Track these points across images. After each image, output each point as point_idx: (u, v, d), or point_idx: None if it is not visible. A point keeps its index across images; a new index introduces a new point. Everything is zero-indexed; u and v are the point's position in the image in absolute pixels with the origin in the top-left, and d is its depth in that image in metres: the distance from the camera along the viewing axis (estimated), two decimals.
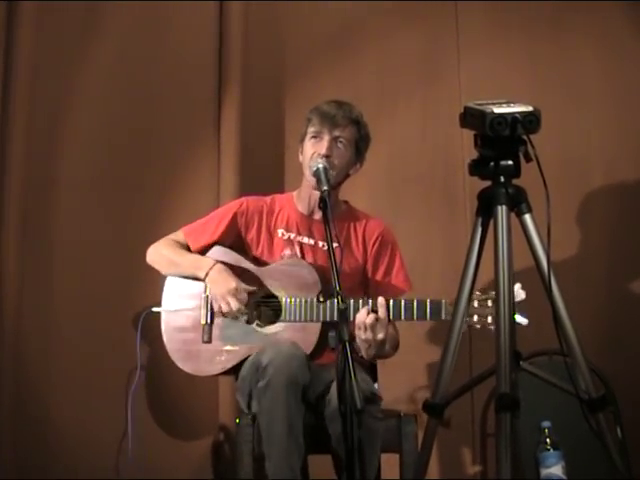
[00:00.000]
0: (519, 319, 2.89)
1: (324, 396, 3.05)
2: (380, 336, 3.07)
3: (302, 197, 3.34)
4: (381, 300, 3.09)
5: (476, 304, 3.06)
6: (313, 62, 4.15)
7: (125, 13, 3.82)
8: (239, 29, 3.99)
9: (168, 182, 3.89)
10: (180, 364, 3.24)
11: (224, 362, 3.21)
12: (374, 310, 3.07)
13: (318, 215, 3.29)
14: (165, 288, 3.32)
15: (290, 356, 2.99)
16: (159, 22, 3.91)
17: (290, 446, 2.93)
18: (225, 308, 3.18)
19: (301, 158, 3.31)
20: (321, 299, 2.98)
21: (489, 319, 3.05)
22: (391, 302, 3.10)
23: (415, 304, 3.10)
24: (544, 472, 3.67)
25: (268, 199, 3.39)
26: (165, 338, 3.27)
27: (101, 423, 3.62)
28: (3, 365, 3.47)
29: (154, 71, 3.90)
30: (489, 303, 3.06)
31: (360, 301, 3.11)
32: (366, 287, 3.31)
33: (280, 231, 3.32)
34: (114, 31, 3.81)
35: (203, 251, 3.30)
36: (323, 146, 3.22)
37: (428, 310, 3.09)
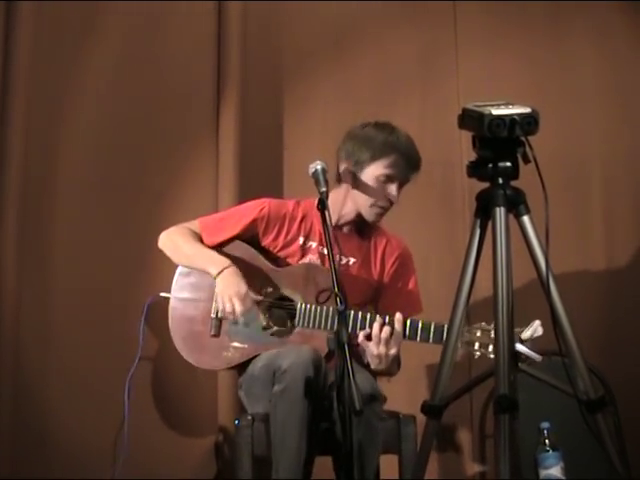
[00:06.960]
0: (533, 355, 2.91)
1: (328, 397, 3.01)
2: (393, 351, 3.07)
3: (333, 209, 3.11)
4: (399, 316, 3.08)
5: (479, 333, 3.09)
6: (312, 62, 4.14)
7: (123, 13, 3.82)
8: (238, 29, 3.99)
9: (166, 182, 3.88)
10: (184, 354, 3.22)
11: (230, 358, 3.19)
12: (389, 324, 3.06)
13: (346, 229, 3.27)
14: (176, 276, 3.29)
15: (309, 362, 2.95)
16: (157, 22, 3.91)
17: (301, 448, 2.92)
18: (229, 309, 3.12)
19: (343, 169, 3.25)
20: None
21: (490, 348, 3.07)
22: (408, 321, 3.10)
23: (433, 327, 3.10)
24: (543, 473, 3.67)
25: (291, 204, 3.31)
26: (171, 326, 3.24)
27: (101, 422, 3.61)
28: (2, 362, 3.46)
29: (152, 71, 3.89)
30: (492, 334, 3.07)
31: (368, 315, 3.10)
32: (376, 304, 3.29)
33: (301, 239, 3.26)
34: (112, 32, 3.81)
35: (217, 247, 3.25)
36: (394, 189, 3.20)
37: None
